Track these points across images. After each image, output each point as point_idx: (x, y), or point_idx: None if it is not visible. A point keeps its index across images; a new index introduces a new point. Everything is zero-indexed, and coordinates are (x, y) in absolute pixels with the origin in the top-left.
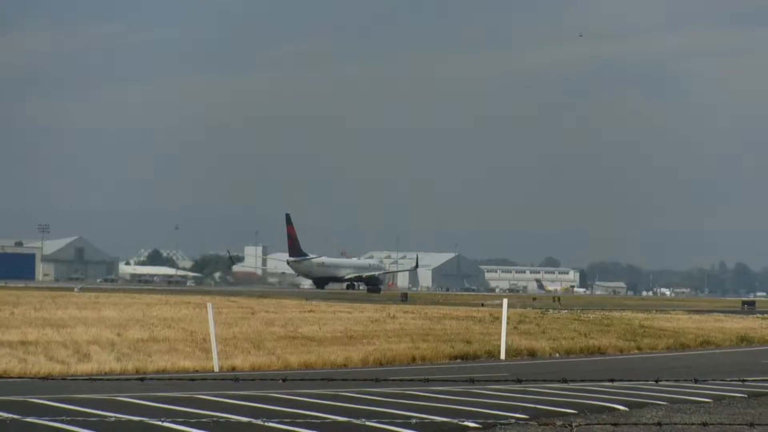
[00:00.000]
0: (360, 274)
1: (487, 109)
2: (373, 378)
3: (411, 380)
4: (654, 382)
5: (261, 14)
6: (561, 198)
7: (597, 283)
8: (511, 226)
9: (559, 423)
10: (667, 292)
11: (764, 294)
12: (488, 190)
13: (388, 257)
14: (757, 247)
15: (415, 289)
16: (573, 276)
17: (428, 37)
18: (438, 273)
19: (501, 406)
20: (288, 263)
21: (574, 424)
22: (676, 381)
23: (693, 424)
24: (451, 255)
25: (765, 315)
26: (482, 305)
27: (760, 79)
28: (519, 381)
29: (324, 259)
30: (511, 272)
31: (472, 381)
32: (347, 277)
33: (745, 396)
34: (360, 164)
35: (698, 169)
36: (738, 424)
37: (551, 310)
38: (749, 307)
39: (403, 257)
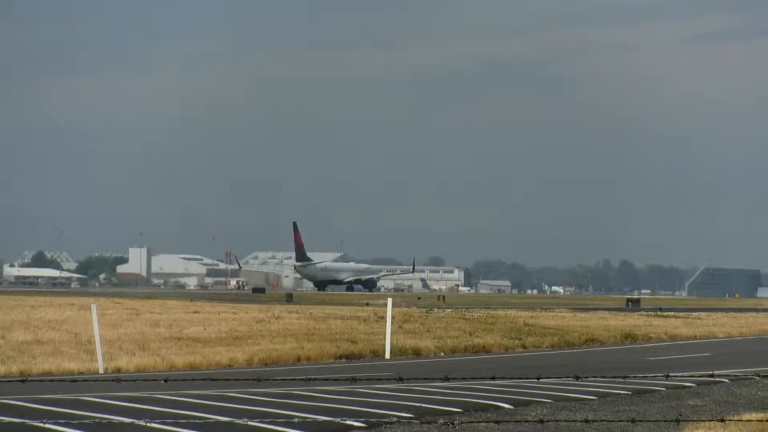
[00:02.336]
0: (359, 277)
1: (361, 109)
2: (255, 378)
3: (295, 380)
4: (536, 380)
5: (150, 14)
6: (444, 197)
7: (482, 281)
8: (396, 226)
9: (441, 421)
10: (560, 290)
11: (649, 292)
12: (372, 190)
13: (273, 257)
14: (641, 245)
15: (300, 289)
16: (458, 275)
17: (300, 37)
18: None
19: (385, 405)
20: (294, 268)
21: (456, 422)
22: (558, 378)
23: (576, 421)
24: (336, 254)
25: (650, 312)
26: (367, 305)
27: (647, 80)
28: (403, 380)
29: (326, 263)
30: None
31: (354, 380)
32: (347, 280)
33: (629, 393)
34: (242, 165)
35: (582, 168)
36: (621, 421)
37: (436, 309)
38: (634, 305)
39: (289, 258)
